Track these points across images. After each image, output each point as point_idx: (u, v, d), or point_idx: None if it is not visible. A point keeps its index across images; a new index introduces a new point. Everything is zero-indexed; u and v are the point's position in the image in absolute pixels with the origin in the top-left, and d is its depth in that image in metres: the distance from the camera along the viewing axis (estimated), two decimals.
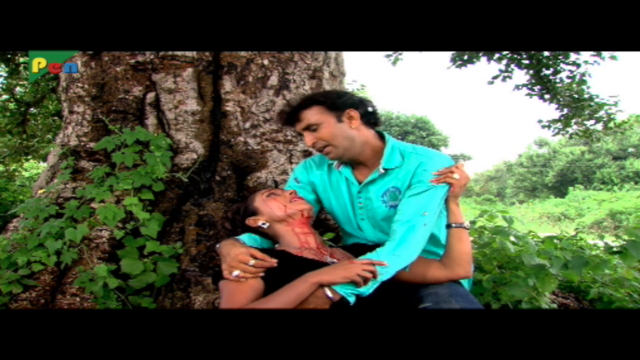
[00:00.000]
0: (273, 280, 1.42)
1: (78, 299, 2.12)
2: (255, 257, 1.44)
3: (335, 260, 1.58)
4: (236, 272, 1.42)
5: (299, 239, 1.64)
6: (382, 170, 1.70)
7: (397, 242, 1.52)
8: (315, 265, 1.50)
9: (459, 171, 1.65)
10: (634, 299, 2.30)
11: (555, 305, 2.28)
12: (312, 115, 1.67)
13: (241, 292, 1.40)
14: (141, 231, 2.27)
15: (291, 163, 2.61)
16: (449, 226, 1.67)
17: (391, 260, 1.48)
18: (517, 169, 34.26)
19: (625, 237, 2.08)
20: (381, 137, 1.79)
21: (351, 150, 1.70)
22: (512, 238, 2.45)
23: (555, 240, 2.52)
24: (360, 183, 1.77)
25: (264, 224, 1.67)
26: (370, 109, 1.74)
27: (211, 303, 2.04)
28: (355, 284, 1.40)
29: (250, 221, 1.69)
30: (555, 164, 30.69)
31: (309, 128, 1.69)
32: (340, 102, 1.68)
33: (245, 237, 1.65)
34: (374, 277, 1.42)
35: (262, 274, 1.43)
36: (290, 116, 1.73)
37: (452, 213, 1.67)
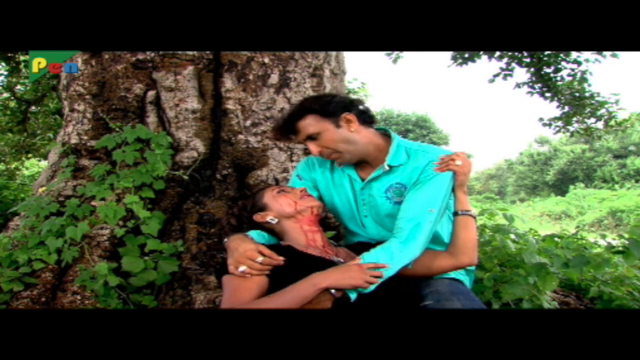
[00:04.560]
0: (278, 277, 1.42)
1: (79, 297, 2.12)
2: (263, 254, 1.44)
3: (340, 259, 1.58)
4: (242, 268, 1.41)
5: (305, 237, 1.63)
6: (387, 167, 1.69)
7: (404, 240, 1.52)
8: (321, 262, 1.49)
9: (460, 158, 1.65)
10: (635, 297, 2.30)
11: (555, 304, 2.28)
12: (308, 125, 1.66)
13: (245, 288, 1.39)
14: (142, 229, 2.27)
15: (292, 161, 2.61)
16: (455, 214, 1.67)
17: (397, 257, 1.49)
18: (518, 167, 34.24)
19: (627, 236, 2.08)
20: (385, 134, 1.78)
21: (356, 153, 1.70)
22: (512, 236, 2.45)
23: (555, 239, 2.52)
24: (363, 180, 1.77)
25: (272, 219, 1.65)
26: (362, 108, 1.73)
27: (212, 301, 2.04)
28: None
29: (257, 216, 1.68)
30: (556, 162, 30.66)
31: (310, 138, 1.68)
32: (332, 107, 1.66)
33: (254, 234, 1.63)
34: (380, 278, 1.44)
35: (267, 272, 1.43)
36: (286, 128, 1.72)
37: (459, 201, 1.68)
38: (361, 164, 1.77)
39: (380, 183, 1.73)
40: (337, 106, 1.67)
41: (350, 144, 1.67)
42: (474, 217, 1.67)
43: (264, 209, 1.69)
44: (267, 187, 1.78)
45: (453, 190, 1.67)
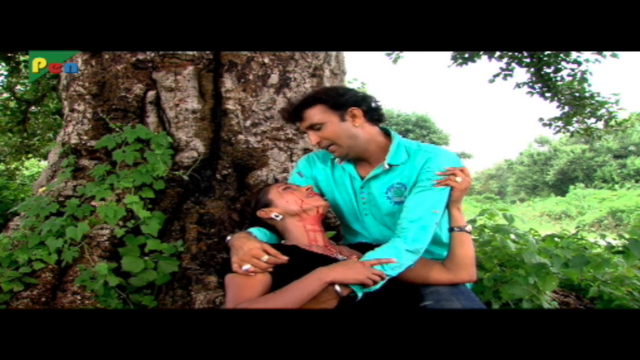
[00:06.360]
0: (281, 275, 1.42)
1: (79, 297, 2.12)
2: (268, 253, 1.44)
3: (345, 257, 1.58)
4: (247, 266, 1.41)
5: (307, 236, 1.63)
6: (387, 166, 1.69)
7: (411, 240, 1.52)
8: (325, 260, 1.49)
9: (462, 174, 1.64)
10: (635, 297, 2.30)
11: (555, 304, 2.28)
12: (315, 114, 1.67)
13: (250, 286, 1.39)
14: (142, 229, 2.27)
15: (292, 161, 2.61)
16: (451, 230, 1.65)
17: (404, 257, 1.49)
18: (518, 167, 34.22)
19: (627, 236, 2.08)
20: (386, 133, 1.78)
21: (355, 149, 1.70)
22: (512, 236, 2.45)
23: (555, 239, 2.52)
24: (362, 178, 1.77)
25: (277, 215, 1.64)
26: (373, 105, 1.73)
27: (212, 301, 2.04)
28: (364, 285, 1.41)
29: (262, 212, 1.66)
30: (556, 162, 30.65)
31: (313, 127, 1.68)
32: (343, 101, 1.67)
33: (256, 231, 1.63)
34: (382, 279, 1.43)
35: (271, 270, 1.43)
36: (293, 114, 1.73)
37: (453, 217, 1.66)
38: (360, 162, 1.77)
39: (380, 182, 1.73)
40: (348, 100, 1.67)
41: (351, 139, 1.67)
42: (469, 233, 1.66)
43: (269, 204, 1.67)
44: (273, 184, 1.77)
45: (447, 205, 1.66)
